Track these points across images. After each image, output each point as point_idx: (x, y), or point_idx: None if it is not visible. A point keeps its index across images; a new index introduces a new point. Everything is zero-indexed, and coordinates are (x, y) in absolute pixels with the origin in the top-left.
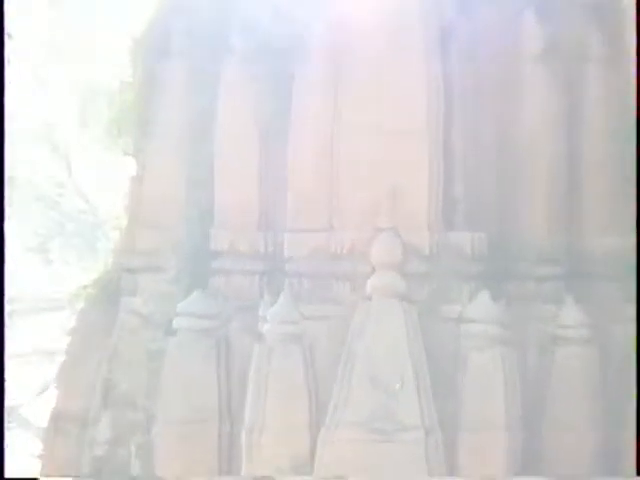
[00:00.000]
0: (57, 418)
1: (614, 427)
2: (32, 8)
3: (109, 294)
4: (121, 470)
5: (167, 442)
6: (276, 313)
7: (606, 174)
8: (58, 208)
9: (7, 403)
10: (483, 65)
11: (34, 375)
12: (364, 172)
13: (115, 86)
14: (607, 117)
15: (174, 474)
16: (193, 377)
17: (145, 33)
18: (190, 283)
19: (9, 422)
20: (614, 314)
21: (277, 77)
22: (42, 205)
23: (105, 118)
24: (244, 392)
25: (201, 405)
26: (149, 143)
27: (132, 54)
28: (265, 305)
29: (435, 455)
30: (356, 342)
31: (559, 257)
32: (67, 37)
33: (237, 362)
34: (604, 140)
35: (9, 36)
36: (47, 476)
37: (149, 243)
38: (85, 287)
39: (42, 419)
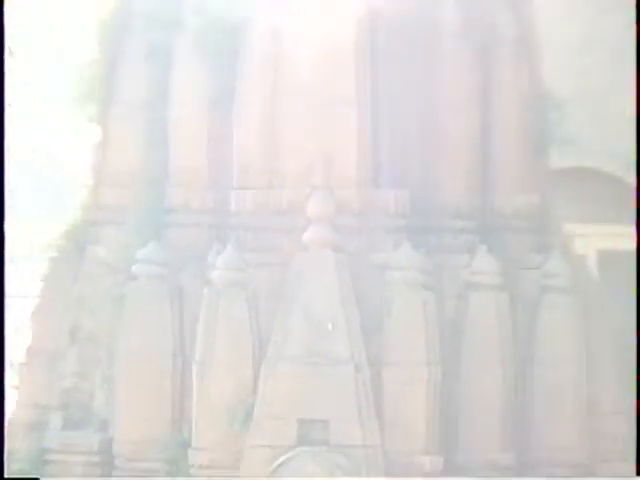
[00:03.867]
0: (31, 354)
1: (522, 363)
2: None
3: (76, 244)
4: (86, 400)
5: (126, 376)
6: (223, 261)
7: (516, 141)
8: (31, 170)
9: None
10: (408, 42)
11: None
12: (301, 138)
13: (84, 61)
14: (517, 90)
15: (132, 405)
16: (150, 318)
17: (110, 15)
18: (147, 235)
19: None
20: (521, 262)
21: (224, 53)
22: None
23: (75, 90)
24: (195, 331)
25: (157, 342)
26: (112, 112)
27: (99, 33)
28: (213, 254)
29: (363, 387)
30: (294, 287)
31: (473, 213)
32: (42, 19)
33: (189, 304)
34: (515, 110)
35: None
36: (23, 405)
37: (112, 200)
38: (55, 238)
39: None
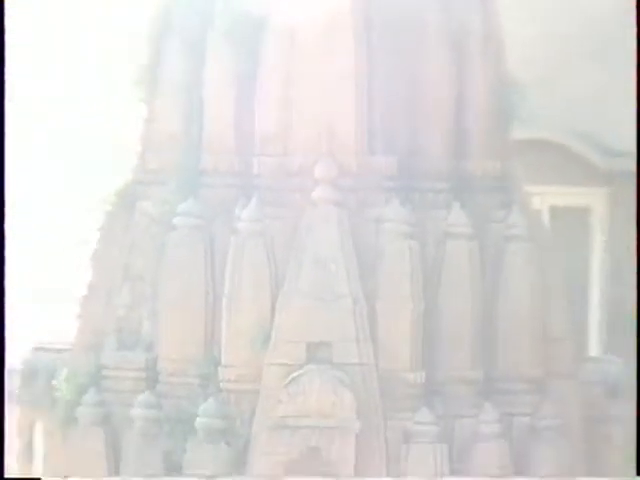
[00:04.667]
0: (91, 289)
1: (489, 297)
2: None
3: (127, 200)
4: (135, 327)
5: (168, 307)
6: (247, 215)
7: (484, 118)
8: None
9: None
10: (398, 31)
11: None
12: (309, 113)
13: (133, 52)
14: (485, 77)
15: (172, 330)
16: (187, 260)
17: (155, 15)
18: (185, 193)
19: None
20: (488, 216)
21: (248, 43)
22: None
23: (128, 78)
24: (224, 271)
25: (192, 280)
26: (157, 93)
27: (147, 31)
28: (239, 209)
29: (360, 317)
30: (304, 236)
31: (449, 176)
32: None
33: (219, 249)
34: (483, 93)
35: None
36: (83, 331)
37: (156, 164)
38: (110, 195)
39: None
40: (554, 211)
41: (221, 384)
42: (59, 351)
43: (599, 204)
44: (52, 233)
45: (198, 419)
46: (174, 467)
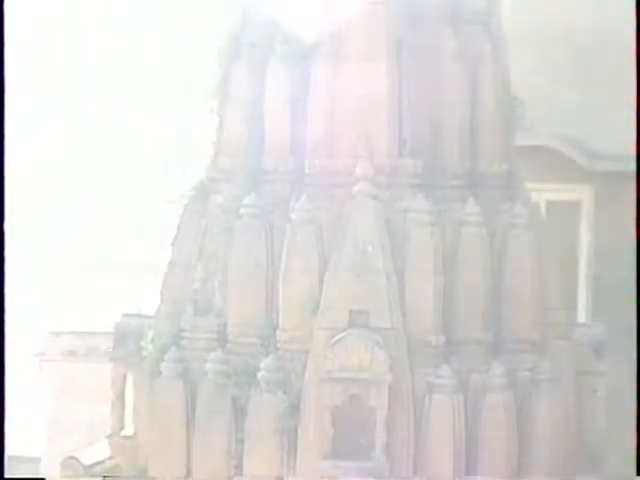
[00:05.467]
0: (171, 266)
1: (497, 274)
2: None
3: (202, 195)
4: (210, 299)
5: (235, 281)
6: (300, 206)
7: (493, 127)
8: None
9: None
10: (423, 50)
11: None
12: (351, 124)
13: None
14: (494, 92)
15: (239, 299)
16: (251, 243)
17: (225, 42)
18: (250, 188)
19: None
20: (496, 208)
21: (302, 67)
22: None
23: (203, 93)
24: (281, 252)
25: (255, 259)
26: (226, 106)
27: (218, 56)
28: (293, 202)
29: (392, 289)
30: (346, 224)
31: (465, 175)
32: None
33: (277, 235)
34: (491, 105)
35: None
36: (164, 302)
37: (226, 165)
38: (188, 191)
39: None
40: (549, 204)
41: (278, 344)
42: (146, 317)
43: (586, 198)
44: (142, 224)
45: (260, 373)
46: (240, 411)
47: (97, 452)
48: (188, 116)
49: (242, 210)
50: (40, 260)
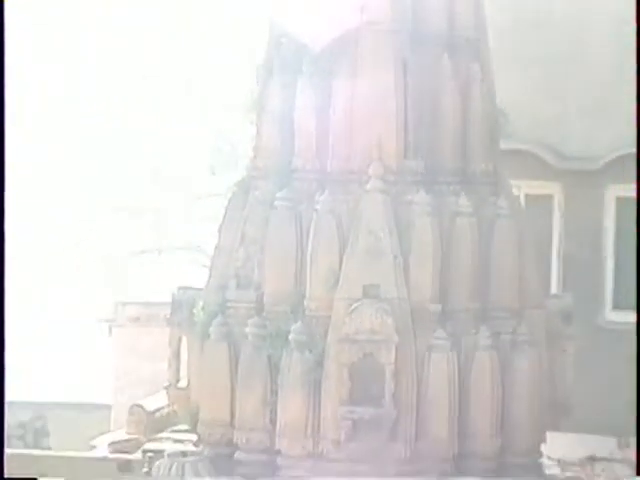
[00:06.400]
0: (218, 249)
1: (484, 255)
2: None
3: (244, 189)
4: (250, 276)
5: (270, 260)
6: (323, 200)
7: (480, 133)
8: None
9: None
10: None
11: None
12: (365, 131)
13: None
14: (481, 105)
15: (272, 275)
16: (282, 230)
17: (262, 62)
18: (282, 184)
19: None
20: (484, 201)
21: (326, 83)
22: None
23: (243, 106)
24: (308, 237)
25: (286, 242)
26: (262, 117)
27: (256, 73)
28: (318, 195)
29: (398, 267)
30: (361, 213)
31: (457, 173)
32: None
33: (305, 223)
34: (479, 116)
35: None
36: (213, 277)
37: (262, 164)
38: (232, 186)
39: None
40: (528, 197)
41: (306, 312)
42: (197, 290)
43: (557, 192)
44: (195, 213)
45: (290, 335)
46: (274, 367)
47: (157, 401)
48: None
49: (276, 202)
50: (109, 244)
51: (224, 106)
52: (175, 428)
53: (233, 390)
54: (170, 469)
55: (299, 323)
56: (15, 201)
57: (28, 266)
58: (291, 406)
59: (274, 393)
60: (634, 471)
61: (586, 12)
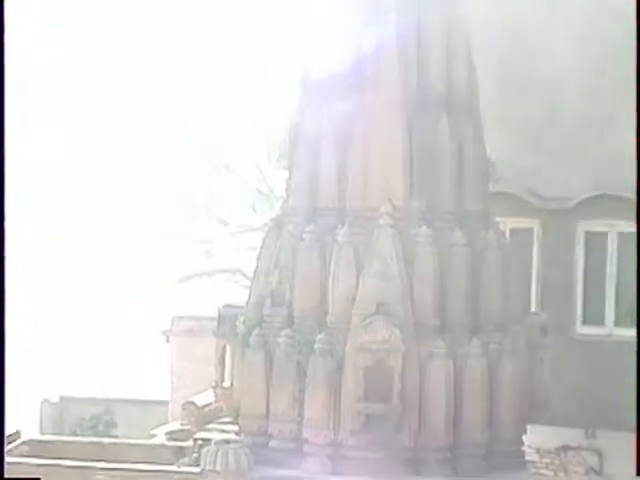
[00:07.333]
0: (257, 272)
1: (475, 280)
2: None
3: (278, 224)
4: (283, 295)
5: (299, 283)
6: (342, 233)
7: (474, 180)
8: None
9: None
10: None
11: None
12: (377, 176)
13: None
14: (473, 154)
15: (302, 293)
16: (310, 257)
17: (291, 124)
18: (309, 220)
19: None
20: (475, 235)
21: (343, 143)
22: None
23: (277, 153)
24: (331, 264)
25: (313, 267)
26: (293, 165)
27: (288, 130)
28: (338, 229)
29: (404, 289)
30: (374, 244)
31: (454, 212)
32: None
33: (328, 253)
34: (472, 166)
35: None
36: (252, 297)
37: (294, 204)
38: (268, 222)
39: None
40: (512, 231)
41: (328, 325)
42: (239, 307)
43: (536, 227)
44: (240, 250)
45: (315, 344)
46: (302, 370)
47: (206, 398)
48: (270, 171)
49: (304, 235)
50: (170, 269)
51: (263, 155)
52: (221, 420)
53: (268, 389)
54: (216, 454)
55: (323, 334)
56: (91, 228)
57: (104, 288)
58: (316, 402)
59: (302, 392)
60: (599, 458)
61: (559, 82)
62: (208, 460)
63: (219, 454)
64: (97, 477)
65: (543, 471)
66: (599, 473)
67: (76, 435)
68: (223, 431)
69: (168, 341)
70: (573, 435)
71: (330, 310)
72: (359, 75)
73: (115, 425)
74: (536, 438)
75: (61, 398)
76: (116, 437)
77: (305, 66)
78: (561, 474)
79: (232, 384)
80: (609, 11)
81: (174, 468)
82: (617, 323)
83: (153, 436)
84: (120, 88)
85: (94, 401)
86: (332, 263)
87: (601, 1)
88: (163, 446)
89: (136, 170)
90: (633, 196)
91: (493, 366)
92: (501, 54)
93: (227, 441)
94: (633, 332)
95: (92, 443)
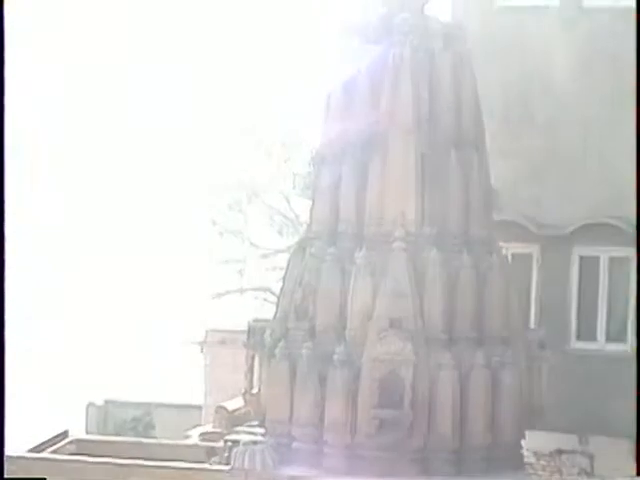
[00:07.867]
0: (283, 291)
1: (480, 299)
2: None
3: (302, 247)
4: (306, 311)
5: (320, 300)
6: (360, 255)
7: (479, 208)
8: (283, 218)
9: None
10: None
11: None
12: (391, 205)
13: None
14: (478, 184)
15: (322, 310)
16: (331, 277)
17: (316, 152)
18: (330, 244)
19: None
20: (481, 258)
21: (361, 174)
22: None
23: (298, 186)
24: (349, 283)
25: (334, 285)
26: (316, 194)
27: (312, 162)
28: (357, 252)
29: (415, 306)
30: (388, 265)
31: (461, 237)
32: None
33: (347, 272)
34: (477, 195)
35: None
36: (278, 312)
37: (316, 229)
38: (293, 245)
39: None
40: (513, 255)
41: (347, 338)
42: (266, 321)
43: (535, 251)
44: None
45: (335, 355)
46: (323, 379)
47: (236, 403)
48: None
49: (326, 257)
50: (206, 286)
51: (289, 185)
52: (249, 424)
53: (292, 396)
54: (244, 454)
55: (342, 346)
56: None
57: (148, 303)
58: (335, 408)
59: (323, 398)
60: (591, 460)
61: (556, 119)
62: (237, 459)
63: (247, 454)
64: (136, 473)
65: (540, 472)
66: (590, 474)
67: (118, 435)
68: (251, 433)
69: (202, 351)
70: (567, 440)
71: (348, 325)
72: (374, 107)
73: (153, 427)
74: (534, 442)
75: (105, 401)
76: (154, 438)
77: (326, 105)
78: (556, 475)
79: (259, 391)
80: (605, 54)
81: (207, 466)
82: (608, 339)
83: (188, 437)
84: (152, 113)
85: (135, 405)
86: (351, 282)
87: (596, 43)
88: (197, 446)
89: (178, 196)
90: (623, 224)
91: (495, 376)
92: (506, 90)
93: (254, 442)
94: (623, 347)
95: (132, 443)
